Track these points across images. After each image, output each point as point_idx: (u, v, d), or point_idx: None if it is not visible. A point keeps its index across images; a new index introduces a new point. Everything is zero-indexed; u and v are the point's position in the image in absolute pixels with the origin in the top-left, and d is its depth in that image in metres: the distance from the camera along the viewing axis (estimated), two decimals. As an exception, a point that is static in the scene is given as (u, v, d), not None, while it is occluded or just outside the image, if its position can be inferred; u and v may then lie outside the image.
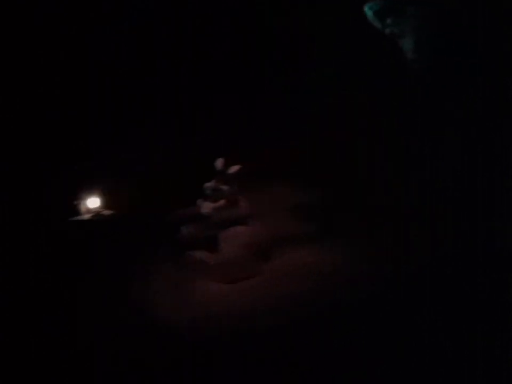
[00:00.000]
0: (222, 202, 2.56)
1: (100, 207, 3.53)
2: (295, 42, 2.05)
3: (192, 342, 2.14)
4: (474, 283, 1.54)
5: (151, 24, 1.47)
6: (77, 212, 3.45)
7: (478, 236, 1.67)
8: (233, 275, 2.38)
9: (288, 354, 1.67)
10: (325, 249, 2.20)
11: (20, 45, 2.59)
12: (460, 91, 1.90)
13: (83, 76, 2.85)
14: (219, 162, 2.60)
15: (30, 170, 3.18)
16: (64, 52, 2.57)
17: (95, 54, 2.51)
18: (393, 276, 1.69)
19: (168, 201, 2.97)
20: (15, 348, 2.24)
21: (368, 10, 2.94)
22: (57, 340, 2.27)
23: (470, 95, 1.87)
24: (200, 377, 1.91)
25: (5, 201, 2.96)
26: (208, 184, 2.62)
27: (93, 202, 3.54)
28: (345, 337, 1.50)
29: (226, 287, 2.37)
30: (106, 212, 3.51)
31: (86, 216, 3.48)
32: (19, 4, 1.36)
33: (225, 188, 2.49)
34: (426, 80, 1.98)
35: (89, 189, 3.44)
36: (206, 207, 2.68)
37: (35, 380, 2.07)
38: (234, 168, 2.39)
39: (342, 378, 1.41)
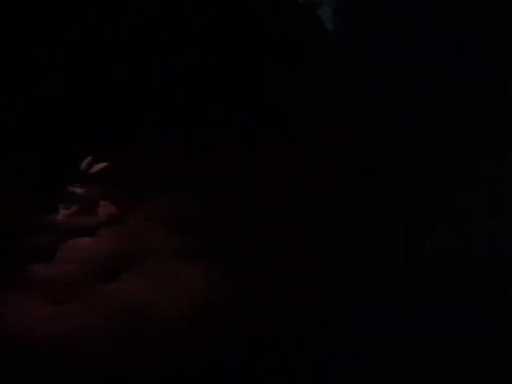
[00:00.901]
0: (74, 208, 2.37)
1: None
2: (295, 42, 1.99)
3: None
4: (473, 283, 1.55)
5: (150, 24, 1.44)
6: None
7: (478, 236, 1.67)
8: (57, 295, 2.13)
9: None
10: (181, 276, 2.01)
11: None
12: (459, 90, 1.90)
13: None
14: (85, 161, 2.28)
15: None
16: None
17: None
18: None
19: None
20: None
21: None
22: None
23: (469, 94, 1.87)
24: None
25: None
26: (68, 187, 2.47)
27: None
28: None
29: (38, 310, 2.07)
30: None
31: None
32: (19, 3, 1.32)
33: (79, 191, 2.26)
34: (350, 55, 1.93)
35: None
36: (61, 213, 2.51)
37: None
38: (97, 167, 2.13)
39: None
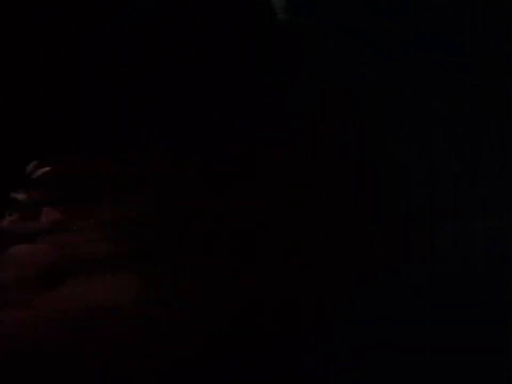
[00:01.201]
0: (16, 214, 2.26)
1: None
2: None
3: None
4: (473, 283, 1.55)
5: (150, 24, 1.42)
6: None
7: (471, 236, 1.67)
8: (3, 302, 2.05)
9: None
10: (127, 281, 1.94)
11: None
12: (447, 88, 1.91)
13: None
14: (31, 165, 2.21)
15: None
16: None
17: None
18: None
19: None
20: None
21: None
22: None
23: (457, 92, 1.88)
24: None
25: None
26: (12, 193, 2.37)
27: None
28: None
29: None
30: None
31: None
32: (19, 3, 1.30)
33: (19, 196, 2.16)
34: (305, 46, 1.89)
35: None
36: (5, 219, 2.40)
37: None
38: (40, 172, 2.05)
39: None
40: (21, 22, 1.21)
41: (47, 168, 1.79)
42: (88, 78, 1.27)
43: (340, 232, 1.48)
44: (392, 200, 1.53)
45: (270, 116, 1.42)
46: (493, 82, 1.65)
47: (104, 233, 1.56)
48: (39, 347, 1.36)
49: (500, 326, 1.18)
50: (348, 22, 2.11)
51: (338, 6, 2.07)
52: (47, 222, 1.76)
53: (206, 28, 1.29)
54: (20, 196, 1.98)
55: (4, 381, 1.23)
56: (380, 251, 1.42)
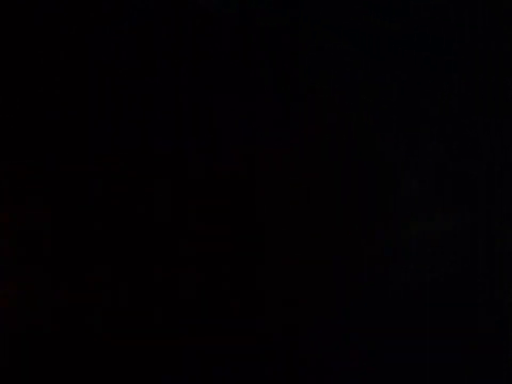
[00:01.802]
0: None
1: None
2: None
3: None
4: (473, 283, 1.53)
5: (150, 24, 1.39)
6: None
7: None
8: None
9: None
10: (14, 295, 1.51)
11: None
12: (436, 88, 1.88)
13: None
14: None
15: None
16: None
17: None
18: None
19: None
20: None
21: None
22: None
23: (445, 92, 1.85)
24: None
25: None
26: None
27: None
28: None
29: None
30: None
31: None
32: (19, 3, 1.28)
33: None
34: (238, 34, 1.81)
35: None
36: None
37: None
38: None
39: None
40: (21, 22, 1.20)
41: None
42: (88, 78, 1.25)
43: (328, 231, 1.46)
44: (380, 199, 1.51)
45: (270, 116, 1.40)
46: (482, 82, 1.65)
47: (12, 247, 1.46)
48: None
49: (500, 327, 1.17)
50: (336, 21, 2.07)
51: (326, 6, 2.04)
52: None
53: (206, 29, 1.27)
54: None
55: None
56: (368, 250, 1.41)
